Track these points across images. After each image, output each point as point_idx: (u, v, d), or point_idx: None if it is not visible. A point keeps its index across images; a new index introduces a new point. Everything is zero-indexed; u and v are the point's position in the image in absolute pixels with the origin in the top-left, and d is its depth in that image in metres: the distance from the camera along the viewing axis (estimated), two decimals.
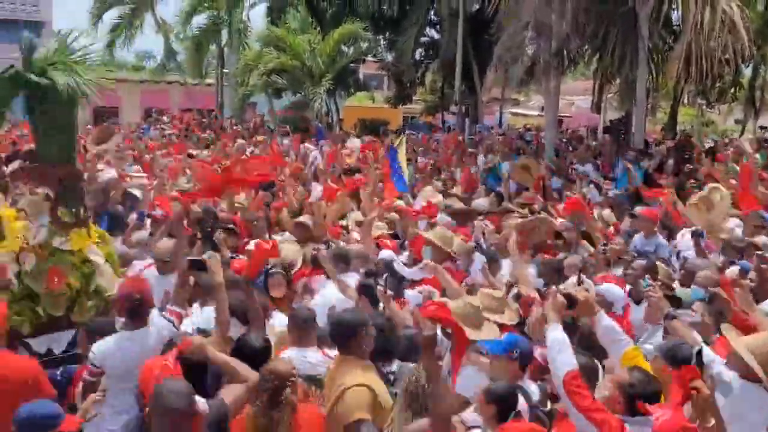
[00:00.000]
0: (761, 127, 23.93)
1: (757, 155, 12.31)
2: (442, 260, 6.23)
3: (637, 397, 3.31)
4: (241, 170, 8.31)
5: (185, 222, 6.18)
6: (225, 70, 29.82)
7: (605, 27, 15.46)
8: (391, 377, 4.15)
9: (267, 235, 7.68)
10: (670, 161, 13.79)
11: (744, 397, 3.63)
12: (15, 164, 7.97)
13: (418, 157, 16.08)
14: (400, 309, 5.13)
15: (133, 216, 7.85)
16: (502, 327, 4.61)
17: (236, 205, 8.67)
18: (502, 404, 3.50)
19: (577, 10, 14.74)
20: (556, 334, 3.53)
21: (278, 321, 5.12)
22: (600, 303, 4.53)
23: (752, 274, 5.80)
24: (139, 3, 28.09)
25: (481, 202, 10.16)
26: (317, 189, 10.23)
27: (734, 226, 7.87)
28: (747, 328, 4.36)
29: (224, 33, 28.87)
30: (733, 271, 5.84)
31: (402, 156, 10.67)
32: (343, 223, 8.41)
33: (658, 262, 6.30)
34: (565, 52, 16.29)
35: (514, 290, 5.30)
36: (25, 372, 3.89)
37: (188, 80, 30.50)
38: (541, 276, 5.87)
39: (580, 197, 8.49)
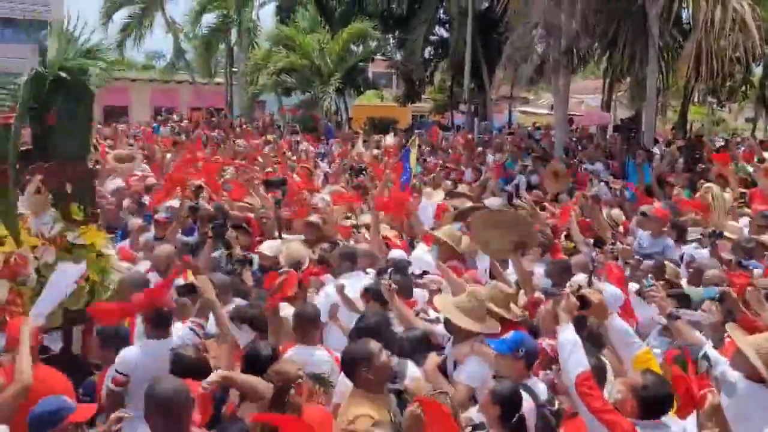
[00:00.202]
0: None
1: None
2: (450, 258, 6.25)
3: (650, 400, 3.30)
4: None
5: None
6: (234, 69, 29.90)
7: (615, 26, 15.40)
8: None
9: (277, 234, 7.72)
10: (680, 160, 13.73)
11: (749, 397, 3.60)
12: None
13: (426, 157, 16.08)
14: (409, 308, 5.13)
15: (138, 220, 7.87)
16: (509, 325, 4.63)
17: (245, 204, 8.70)
18: (507, 405, 3.50)
19: (586, 8, 14.70)
20: (567, 334, 3.52)
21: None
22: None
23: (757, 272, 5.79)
24: (149, 3, 28.20)
25: (492, 201, 10.14)
26: (323, 193, 10.21)
27: (744, 225, 7.85)
28: (755, 329, 4.33)
29: (233, 32, 28.95)
30: (758, 272, 5.82)
31: (413, 157, 10.72)
32: (352, 222, 8.42)
33: (668, 263, 6.28)
34: (574, 51, 16.25)
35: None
36: (55, 389, 3.82)
37: (197, 79, 30.57)
38: (549, 276, 5.86)
39: (570, 207, 8.42)
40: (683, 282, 6.22)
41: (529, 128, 26.25)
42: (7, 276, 4.32)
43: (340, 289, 5.45)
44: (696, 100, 21.84)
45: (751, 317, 4.64)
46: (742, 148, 13.97)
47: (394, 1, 25.83)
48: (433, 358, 4.43)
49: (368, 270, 6.19)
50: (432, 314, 5.24)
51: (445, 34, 27.79)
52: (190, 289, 4.44)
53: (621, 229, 8.61)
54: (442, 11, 26.49)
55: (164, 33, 30.22)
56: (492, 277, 5.96)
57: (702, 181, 10.77)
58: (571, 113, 22.50)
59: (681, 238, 7.81)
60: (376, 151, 15.58)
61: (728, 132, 30.17)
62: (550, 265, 6.01)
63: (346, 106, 29.24)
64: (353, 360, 3.78)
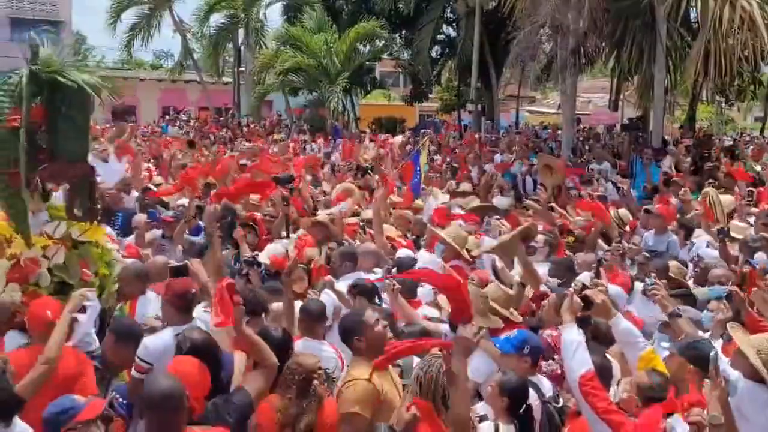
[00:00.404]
0: None
1: None
2: (455, 259, 6.25)
3: (656, 400, 3.30)
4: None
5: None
6: (242, 69, 29.98)
7: (623, 25, 15.38)
8: (398, 370, 4.15)
9: (285, 233, 7.74)
10: (688, 159, 13.70)
11: (749, 397, 3.57)
12: None
13: (433, 156, 16.08)
14: (413, 309, 5.15)
15: (143, 217, 7.88)
16: (511, 325, 4.65)
17: (251, 203, 8.72)
18: (514, 397, 3.54)
19: (594, 8, 14.67)
20: (570, 334, 3.52)
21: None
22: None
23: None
24: (157, 2, 28.28)
25: (500, 200, 10.14)
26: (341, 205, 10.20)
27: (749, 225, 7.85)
28: (762, 329, 4.32)
29: (241, 32, 29.04)
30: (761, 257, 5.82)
31: (423, 158, 10.72)
32: (356, 219, 8.41)
33: (673, 262, 6.26)
34: (582, 50, 16.23)
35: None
36: (73, 367, 3.90)
37: (205, 79, 30.68)
38: (553, 275, 5.86)
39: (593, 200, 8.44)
40: (690, 282, 6.22)
41: (537, 127, 26.22)
42: (18, 280, 4.35)
43: (331, 284, 5.44)
44: (704, 99, 21.76)
45: (757, 317, 4.63)
46: (751, 147, 13.92)
47: (401, 1, 25.85)
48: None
49: (375, 270, 6.20)
50: (431, 313, 5.26)
51: (453, 34, 27.81)
52: (182, 271, 4.40)
53: (628, 228, 8.60)
54: (449, 10, 26.48)
55: (172, 32, 30.35)
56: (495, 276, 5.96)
57: (710, 180, 10.75)
58: (579, 113, 22.48)
59: (689, 238, 7.80)
60: (382, 151, 15.58)
61: (737, 131, 30.08)
62: (554, 264, 6.01)
63: (353, 105, 29.28)
64: (348, 328, 3.90)
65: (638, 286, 5.75)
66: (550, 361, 4.08)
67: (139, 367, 3.94)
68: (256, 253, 6.62)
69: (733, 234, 6.87)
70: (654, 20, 14.54)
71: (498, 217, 8.50)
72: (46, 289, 4.35)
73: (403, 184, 10.49)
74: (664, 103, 16.32)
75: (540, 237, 6.98)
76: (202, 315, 4.42)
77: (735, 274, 6.00)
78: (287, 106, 28.49)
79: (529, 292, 5.29)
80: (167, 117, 30.08)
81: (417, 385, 3.48)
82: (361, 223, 7.97)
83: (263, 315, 4.70)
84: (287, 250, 6.68)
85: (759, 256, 6.31)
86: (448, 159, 15.39)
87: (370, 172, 11.63)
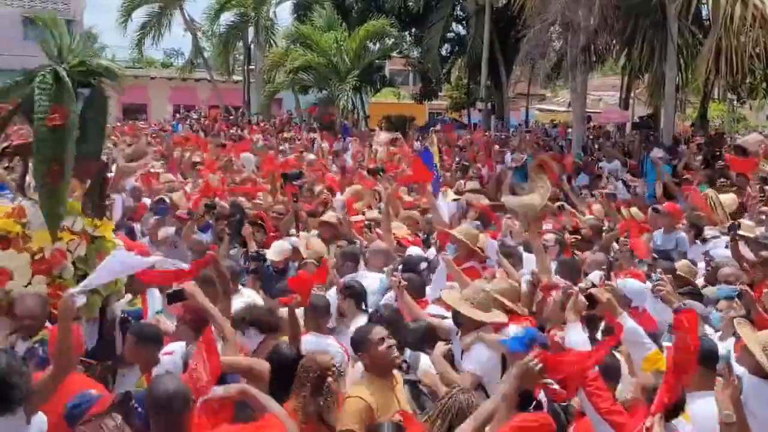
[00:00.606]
0: None
1: None
2: (467, 257, 6.23)
3: None
4: None
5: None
6: (251, 67, 30.06)
7: (633, 22, 15.31)
8: (404, 366, 4.19)
9: (294, 230, 7.75)
10: (699, 157, 13.62)
11: (754, 393, 3.58)
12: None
13: (443, 155, 16.04)
14: (422, 308, 5.16)
15: (153, 217, 7.92)
16: (518, 318, 4.66)
17: (258, 202, 8.76)
18: (523, 393, 3.54)
19: (605, 5, 14.61)
20: (575, 334, 3.51)
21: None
22: (618, 300, 4.52)
23: None
24: (168, 1, 28.41)
25: (510, 199, 10.08)
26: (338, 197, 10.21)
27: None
28: None
29: (251, 30, 29.11)
30: None
31: (436, 157, 10.71)
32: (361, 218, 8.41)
33: (683, 261, 6.22)
34: (592, 48, 16.16)
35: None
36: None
37: (215, 77, 30.78)
38: (559, 275, 5.84)
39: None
40: (700, 281, 6.18)
41: (547, 125, 26.13)
42: (43, 272, 4.39)
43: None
44: (716, 97, 21.62)
45: (767, 316, 4.61)
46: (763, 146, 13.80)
47: None
48: (440, 347, 4.46)
49: (385, 269, 6.20)
50: (438, 311, 5.26)
51: (462, 32, 27.77)
52: (178, 296, 4.34)
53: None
54: (459, 8, 26.46)
55: (183, 31, 30.50)
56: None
57: (722, 179, 10.68)
58: (589, 111, 22.38)
59: (699, 237, 7.76)
60: (393, 149, 15.56)
61: (749, 129, 29.87)
62: (559, 264, 5.99)
63: (362, 103, 29.29)
64: (355, 342, 3.94)
65: (649, 285, 5.73)
66: None
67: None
68: (263, 251, 6.65)
69: (742, 232, 6.82)
70: (665, 18, 14.46)
71: (509, 215, 8.50)
72: (70, 281, 4.40)
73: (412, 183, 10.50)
74: (675, 101, 16.22)
75: (550, 236, 6.96)
76: None
77: (746, 273, 5.99)
78: (297, 104, 28.53)
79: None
80: (177, 115, 30.22)
81: (439, 409, 3.43)
82: (366, 222, 7.97)
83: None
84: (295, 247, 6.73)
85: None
86: (457, 158, 15.36)
87: (380, 173, 11.61)
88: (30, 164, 4.79)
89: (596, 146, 17.48)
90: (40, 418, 3.29)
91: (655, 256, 6.60)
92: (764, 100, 23.56)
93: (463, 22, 27.29)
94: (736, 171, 10.39)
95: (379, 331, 3.84)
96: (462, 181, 11.73)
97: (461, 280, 5.36)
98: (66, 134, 4.24)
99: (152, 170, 11.03)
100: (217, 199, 8.53)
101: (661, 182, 10.77)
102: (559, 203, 9.19)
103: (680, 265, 5.92)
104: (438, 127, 24.67)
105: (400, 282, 5.02)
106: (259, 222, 7.42)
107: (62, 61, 4.40)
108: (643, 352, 3.87)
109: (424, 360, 4.35)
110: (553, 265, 6.05)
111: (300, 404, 3.54)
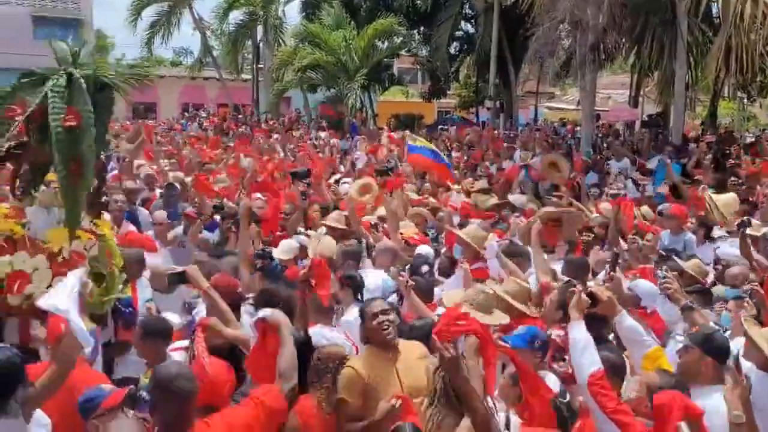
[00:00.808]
0: None
1: None
2: (474, 259, 6.23)
3: None
4: None
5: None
6: (260, 66, 30.10)
7: (643, 20, 15.25)
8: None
9: (302, 228, 7.76)
10: (708, 156, 13.54)
11: (761, 388, 3.57)
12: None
13: (452, 153, 16.02)
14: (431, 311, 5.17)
15: (163, 214, 7.95)
16: (527, 320, 4.66)
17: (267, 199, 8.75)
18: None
19: (613, 3, 14.55)
20: (578, 333, 3.49)
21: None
22: (628, 299, 4.51)
23: None
24: (177, 0, 28.48)
25: (517, 197, 10.09)
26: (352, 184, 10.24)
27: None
28: None
29: (260, 29, 29.15)
30: None
31: (424, 142, 10.79)
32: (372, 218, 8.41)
33: (694, 261, 6.19)
34: (601, 46, 16.10)
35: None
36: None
37: (224, 76, 30.85)
38: (566, 274, 5.84)
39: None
40: (710, 280, 6.16)
41: (555, 124, 26.05)
42: (63, 274, 4.40)
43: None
44: (726, 95, 21.52)
45: None
46: None
47: None
48: None
49: (391, 269, 6.21)
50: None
51: (471, 30, 27.72)
52: (180, 278, 4.38)
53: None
54: (467, 6, 26.40)
55: (192, 30, 30.57)
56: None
57: (732, 179, 10.63)
58: (598, 109, 22.33)
59: (708, 236, 7.72)
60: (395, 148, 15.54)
61: (759, 127, 29.68)
62: (567, 263, 5.97)
63: (371, 102, 29.29)
64: (359, 314, 4.12)
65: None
66: (561, 363, 4.08)
67: None
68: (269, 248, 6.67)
69: (750, 232, 6.79)
70: (674, 15, 14.40)
71: (517, 214, 8.49)
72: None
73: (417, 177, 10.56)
74: (684, 99, 16.15)
75: None
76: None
77: (755, 272, 5.96)
78: (305, 103, 28.57)
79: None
80: (186, 114, 30.30)
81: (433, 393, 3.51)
82: (373, 221, 7.97)
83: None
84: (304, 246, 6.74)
85: None
86: (465, 157, 15.33)
87: (390, 172, 11.60)
88: (24, 167, 4.80)
89: (605, 144, 17.41)
90: (40, 416, 3.29)
91: (663, 253, 6.58)
92: None
93: (472, 21, 27.22)
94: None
95: (377, 305, 4.00)
96: (469, 180, 11.70)
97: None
98: (82, 134, 4.26)
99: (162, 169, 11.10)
100: (225, 200, 8.59)
101: (669, 182, 10.71)
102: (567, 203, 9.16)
103: (690, 264, 5.89)
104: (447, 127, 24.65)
105: (407, 282, 5.04)
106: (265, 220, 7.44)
107: (75, 65, 4.42)
108: (642, 350, 3.88)
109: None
110: (560, 265, 6.05)
111: (323, 396, 3.70)
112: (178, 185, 9.20)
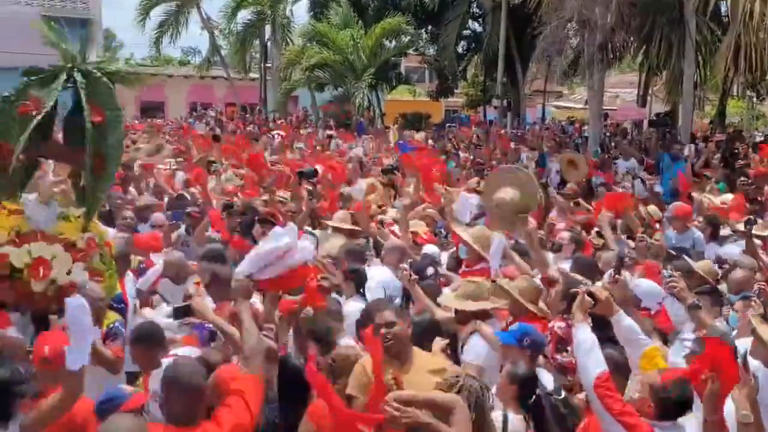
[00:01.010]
0: None
1: None
2: (478, 260, 6.22)
3: (669, 401, 3.27)
4: None
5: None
6: (268, 65, 30.16)
7: (651, 19, 15.19)
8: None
9: (309, 227, 7.76)
10: (717, 155, 13.49)
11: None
12: None
13: (460, 152, 16.02)
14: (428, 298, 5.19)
15: (163, 217, 7.96)
16: (537, 320, 4.66)
17: (278, 198, 8.77)
18: (523, 385, 3.57)
19: (621, 2, 14.51)
20: (583, 334, 3.48)
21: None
22: (628, 300, 4.50)
23: None
24: (185, 0, 28.59)
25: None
26: (360, 184, 10.23)
27: None
28: None
29: (268, 28, 29.21)
30: None
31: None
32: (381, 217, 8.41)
33: (705, 261, 6.16)
34: (609, 45, 16.06)
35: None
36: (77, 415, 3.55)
37: (232, 75, 30.92)
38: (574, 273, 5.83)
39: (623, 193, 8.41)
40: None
41: (563, 123, 25.98)
42: (81, 259, 4.42)
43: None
44: (734, 94, 21.42)
45: None
46: None
47: None
48: (438, 342, 4.46)
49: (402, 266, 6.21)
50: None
51: (479, 29, 27.69)
52: (185, 312, 4.22)
53: (658, 225, 8.49)
54: (475, 5, 26.37)
55: (200, 29, 30.65)
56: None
57: (741, 179, 10.57)
58: (606, 108, 22.24)
59: (715, 235, 7.68)
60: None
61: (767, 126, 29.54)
62: (575, 262, 5.95)
63: (378, 101, 29.31)
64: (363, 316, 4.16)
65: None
66: (564, 353, 4.10)
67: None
68: None
69: (755, 231, 6.76)
70: (682, 14, 14.35)
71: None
72: (100, 266, 4.47)
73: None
74: (693, 99, 16.09)
75: (566, 234, 6.93)
76: None
77: (762, 271, 5.94)
78: (313, 102, 28.61)
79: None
80: (194, 113, 30.39)
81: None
82: (379, 218, 7.98)
83: None
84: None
85: None
86: (472, 156, 15.32)
87: (395, 171, 11.61)
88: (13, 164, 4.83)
89: (613, 144, 17.36)
90: None
91: (671, 252, 6.55)
92: None
93: (480, 19, 27.19)
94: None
95: (384, 316, 3.84)
96: (475, 179, 11.67)
97: None
98: (106, 130, 4.28)
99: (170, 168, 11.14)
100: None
101: (674, 179, 10.67)
102: (574, 201, 9.15)
103: (701, 265, 5.85)
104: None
105: (411, 276, 5.07)
106: (271, 221, 7.44)
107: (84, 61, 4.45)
108: (639, 350, 3.86)
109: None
110: (569, 264, 6.04)
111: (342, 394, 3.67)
112: (188, 195, 9.15)
